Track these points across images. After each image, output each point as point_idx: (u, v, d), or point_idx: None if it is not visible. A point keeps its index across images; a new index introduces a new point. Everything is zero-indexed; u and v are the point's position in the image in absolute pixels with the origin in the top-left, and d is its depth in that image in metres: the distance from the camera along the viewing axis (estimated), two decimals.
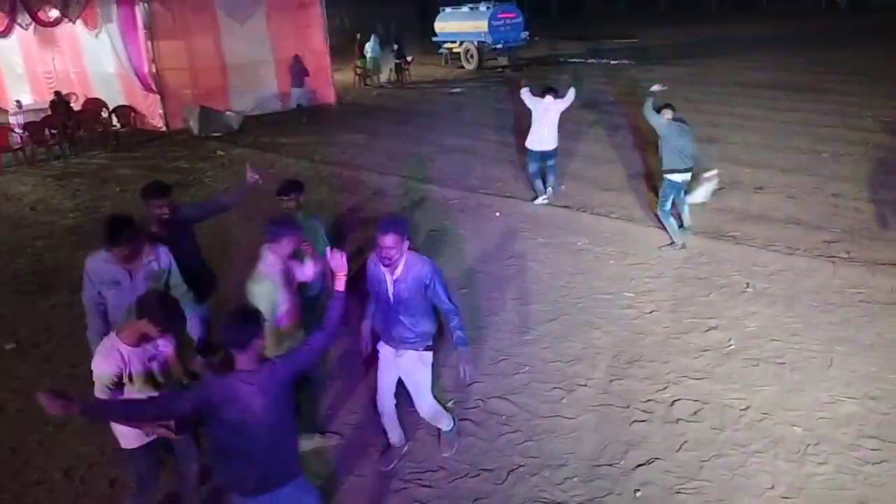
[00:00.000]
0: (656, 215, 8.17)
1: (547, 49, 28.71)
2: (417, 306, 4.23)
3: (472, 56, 26.08)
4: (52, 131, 14.76)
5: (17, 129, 14.78)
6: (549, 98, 9.35)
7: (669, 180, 7.80)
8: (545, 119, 9.33)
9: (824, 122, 13.44)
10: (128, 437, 3.84)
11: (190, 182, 12.18)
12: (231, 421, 3.11)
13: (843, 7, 49.03)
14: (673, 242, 7.93)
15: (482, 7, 25.59)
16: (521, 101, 9.71)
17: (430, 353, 4.47)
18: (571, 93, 9.50)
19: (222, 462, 3.35)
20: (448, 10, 27.03)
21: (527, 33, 26.23)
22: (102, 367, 3.64)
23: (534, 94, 9.51)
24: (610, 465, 4.59)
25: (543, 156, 9.50)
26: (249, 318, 3.22)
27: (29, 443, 5.18)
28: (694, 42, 30.60)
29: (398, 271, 4.14)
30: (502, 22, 25.22)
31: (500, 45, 25.34)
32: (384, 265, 4.10)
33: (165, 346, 3.83)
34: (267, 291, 4.24)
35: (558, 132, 9.48)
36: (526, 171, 10.14)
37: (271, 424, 3.18)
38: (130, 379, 3.67)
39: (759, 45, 27.56)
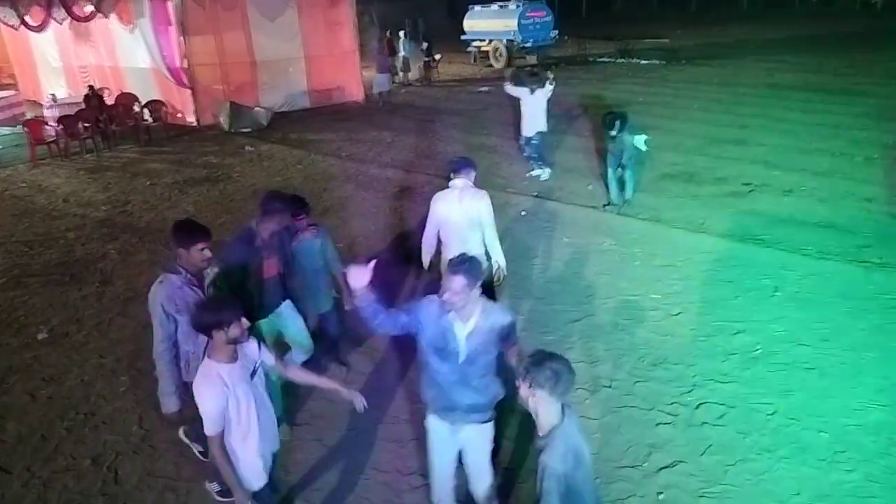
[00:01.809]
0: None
1: (576, 48, 28.55)
2: (490, 364, 3.55)
3: (500, 55, 26.02)
4: (86, 125, 15.00)
5: (51, 123, 15.06)
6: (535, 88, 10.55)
7: None
8: (535, 105, 10.58)
9: (857, 124, 13.20)
10: (251, 478, 3.49)
11: (219, 177, 12.31)
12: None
13: (878, 7, 48.13)
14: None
15: (511, 6, 25.52)
16: (509, 95, 11.10)
17: (493, 423, 3.74)
18: (550, 86, 10.68)
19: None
20: (477, 8, 27.00)
21: (556, 32, 26.11)
22: (210, 402, 3.22)
23: (516, 85, 10.89)
24: (633, 466, 4.56)
25: (532, 139, 10.75)
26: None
27: (59, 430, 5.28)
28: (725, 42, 30.25)
29: (472, 322, 3.42)
30: (531, 21, 25.13)
31: (529, 44, 25.26)
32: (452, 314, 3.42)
33: (265, 356, 3.57)
34: None
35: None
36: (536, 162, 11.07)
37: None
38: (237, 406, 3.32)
39: (791, 45, 27.16)
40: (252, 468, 3.44)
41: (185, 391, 4.02)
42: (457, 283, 3.27)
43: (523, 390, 2.95)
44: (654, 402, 5.21)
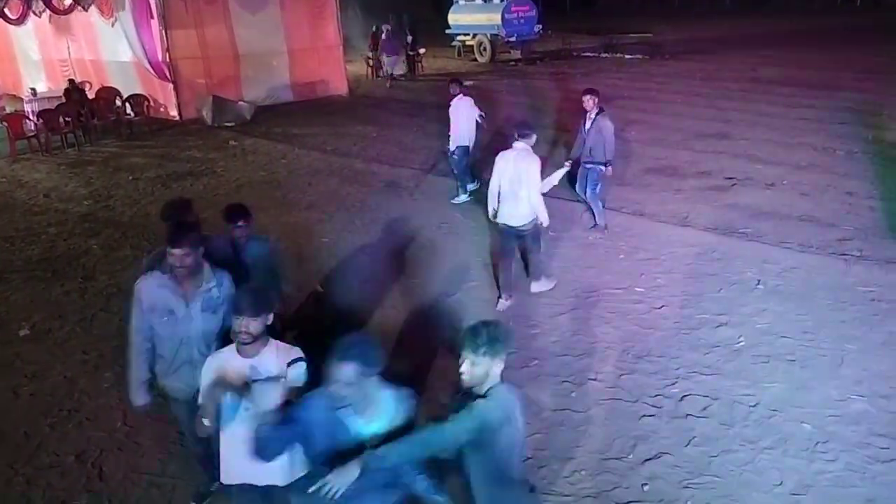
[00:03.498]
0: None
1: (560, 43, 28.58)
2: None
3: (485, 49, 25.98)
4: (66, 119, 14.84)
5: (31, 117, 14.88)
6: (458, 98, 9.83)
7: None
8: (452, 118, 9.85)
9: (838, 119, 13.33)
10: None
11: (202, 172, 12.23)
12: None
13: (858, 4, 48.54)
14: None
15: (496, 0, 25.49)
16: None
17: None
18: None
19: None
20: (462, 2, 26.92)
21: (540, 27, 26.09)
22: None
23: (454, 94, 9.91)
24: (618, 458, 4.59)
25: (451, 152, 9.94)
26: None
27: (42, 427, 5.23)
28: (708, 37, 30.40)
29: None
30: (516, 15, 25.08)
31: (513, 39, 25.22)
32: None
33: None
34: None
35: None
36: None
37: None
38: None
39: (773, 41, 27.36)
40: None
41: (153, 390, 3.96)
42: (347, 372, 2.70)
43: (466, 364, 2.90)
44: (639, 394, 5.25)
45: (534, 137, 6.55)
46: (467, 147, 9.77)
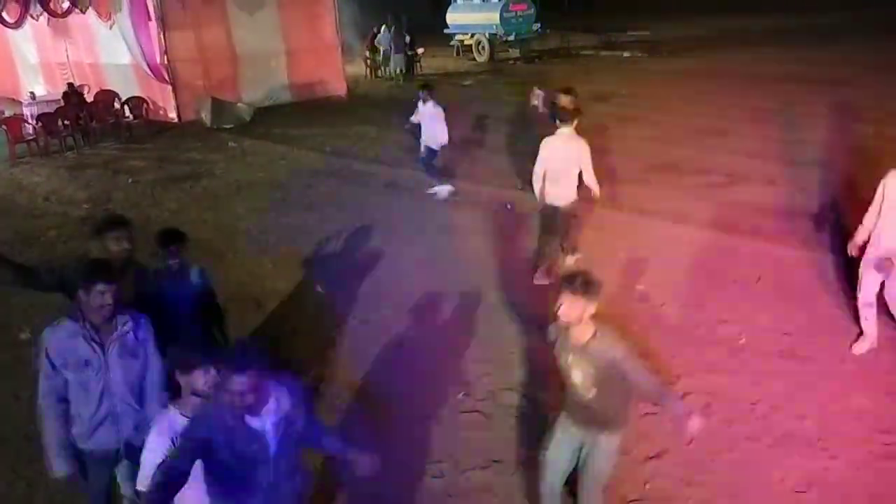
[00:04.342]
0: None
1: (559, 41, 28.56)
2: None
3: (483, 48, 25.95)
4: (65, 122, 14.84)
5: (30, 120, 14.88)
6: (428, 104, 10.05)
7: None
8: (420, 121, 10.26)
9: (838, 114, 13.31)
10: None
11: (202, 174, 12.22)
12: None
13: None
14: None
15: None
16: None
17: None
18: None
19: None
20: (460, 1, 26.90)
21: (538, 25, 26.08)
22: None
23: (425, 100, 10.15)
24: (621, 455, 4.58)
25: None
26: None
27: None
28: (706, 34, 30.36)
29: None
30: (514, 14, 25.08)
31: (511, 37, 25.22)
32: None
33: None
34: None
35: None
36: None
37: None
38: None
39: (773, 36, 27.31)
40: None
41: (74, 454, 3.55)
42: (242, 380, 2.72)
43: (564, 305, 3.32)
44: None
45: (575, 122, 6.93)
46: (435, 150, 10.22)
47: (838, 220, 8.12)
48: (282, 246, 8.55)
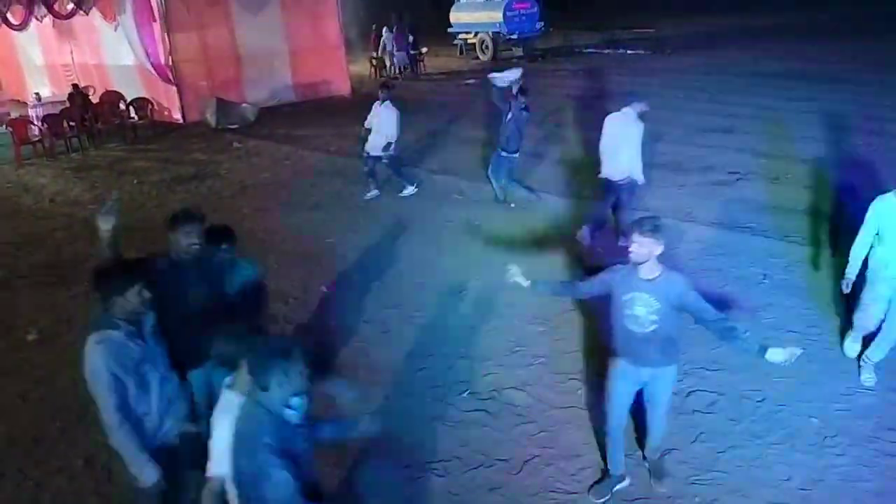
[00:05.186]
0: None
1: (562, 39, 28.54)
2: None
3: (487, 47, 25.95)
4: (71, 124, 14.90)
5: (36, 122, 14.94)
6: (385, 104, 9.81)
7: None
8: (373, 122, 9.93)
9: (842, 111, 13.27)
10: None
11: (207, 174, 12.25)
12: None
13: None
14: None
15: None
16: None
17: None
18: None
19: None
20: (463, 0, 26.92)
21: (542, 24, 26.06)
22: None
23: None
24: (626, 455, 4.57)
25: (370, 157, 10.02)
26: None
27: (51, 431, 5.26)
28: (710, 31, 30.31)
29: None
30: (517, 12, 25.05)
31: (515, 36, 25.20)
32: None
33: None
34: None
35: None
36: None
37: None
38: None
39: (775, 33, 27.25)
40: None
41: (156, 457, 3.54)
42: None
43: (634, 245, 3.74)
44: (599, 434, 5.20)
45: (639, 106, 7.40)
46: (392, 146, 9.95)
47: (843, 218, 8.12)
48: (286, 246, 8.57)
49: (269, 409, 2.76)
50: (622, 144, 7.31)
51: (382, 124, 9.73)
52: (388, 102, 9.76)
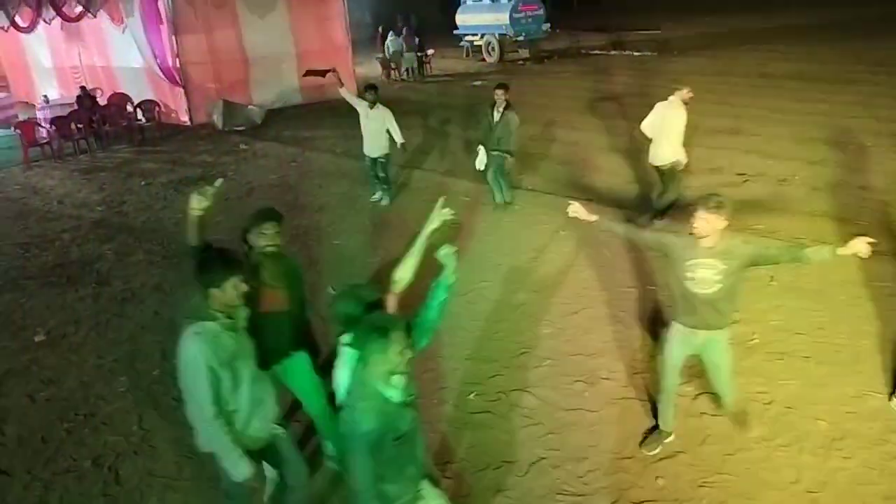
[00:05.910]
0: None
1: (568, 41, 28.53)
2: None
3: (493, 49, 25.96)
4: (79, 126, 14.97)
5: (44, 124, 15.02)
6: (376, 106, 9.26)
7: None
8: (370, 126, 9.37)
9: (851, 113, 13.23)
10: None
11: (214, 176, 12.23)
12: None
13: None
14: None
15: (503, 0, 25.45)
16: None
17: None
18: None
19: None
20: (469, 2, 26.92)
21: (548, 25, 26.06)
22: None
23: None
24: (632, 457, 4.58)
25: (373, 161, 9.64)
26: None
27: (59, 432, 5.28)
28: (717, 32, 30.23)
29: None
30: (524, 14, 25.06)
31: (521, 38, 25.20)
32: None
33: None
34: None
35: None
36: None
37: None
38: None
39: (782, 35, 27.16)
40: None
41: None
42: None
43: (699, 220, 3.99)
44: (653, 393, 5.23)
45: (680, 92, 7.73)
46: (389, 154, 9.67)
47: (851, 220, 8.10)
48: (293, 247, 8.58)
49: (372, 384, 2.88)
50: (665, 131, 7.76)
51: (388, 125, 9.41)
52: (378, 104, 9.33)
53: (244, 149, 14.29)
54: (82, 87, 16.28)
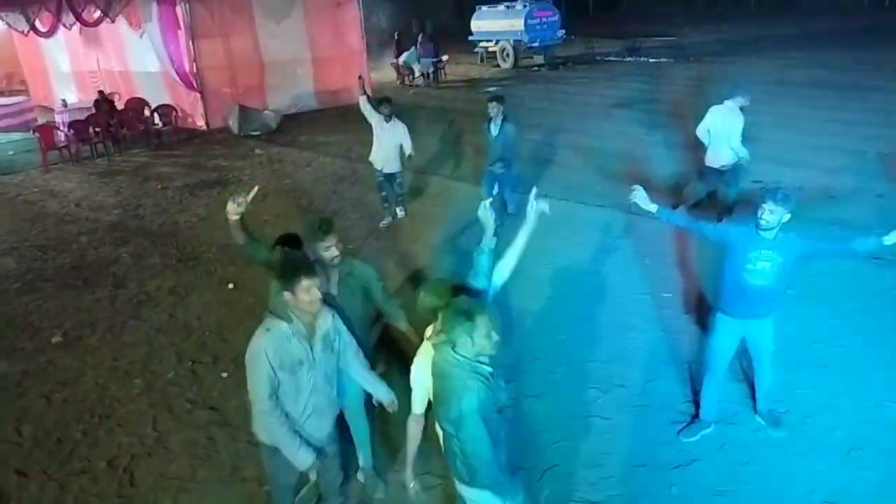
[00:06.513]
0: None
1: (583, 47, 28.50)
2: None
3: (507, 55, 25.99)
4: (96, 129, 15.11)
5: (62, 128, 15.17)
6: (392, 120, 8.94)
7: None
8: (384, 140, 9.01)
9: (868, 120, 13.12)
10: None
11: (229, 180, 12.37)
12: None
13: (886, 2, 47.71)
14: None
15: (518, 5, 25.48)
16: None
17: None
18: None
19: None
20: (484, 8, 26.98)
21: (563, 31, 26.06)
22: None
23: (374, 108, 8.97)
24: (646, 465, 4.56)
25: (388, 177, 9.25)
26: None
27: (74, 433, 5.32)
28: (733, 39, 30.13)
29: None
30: (538, 20, 25.09)
31: (536, 44, 25.22)
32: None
33: None
34: None
35: None
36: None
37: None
38: None
39: (800, 41, 27.03)
40: None
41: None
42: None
43: (766, 212, 4.17)
44: (667, 400, 5.20)
45: (740, 99, 7.93)
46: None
47: (869, 228, 8.02)
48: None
49: (466, 363, 3.02)
50: (724, 135, 7.92)
51: (402, 140, 9.08)
52: (394, 118, 8.99)
53: (259, 153, 14.36)
54: (100, 92, 16.46)
